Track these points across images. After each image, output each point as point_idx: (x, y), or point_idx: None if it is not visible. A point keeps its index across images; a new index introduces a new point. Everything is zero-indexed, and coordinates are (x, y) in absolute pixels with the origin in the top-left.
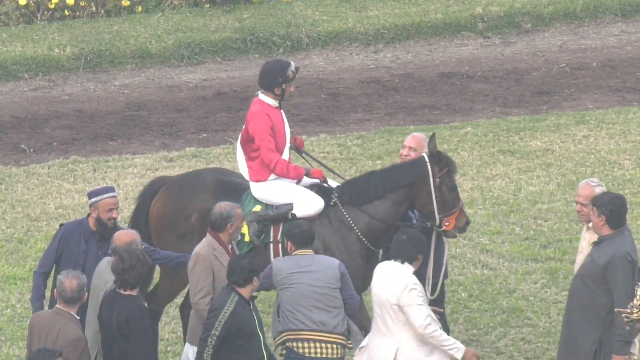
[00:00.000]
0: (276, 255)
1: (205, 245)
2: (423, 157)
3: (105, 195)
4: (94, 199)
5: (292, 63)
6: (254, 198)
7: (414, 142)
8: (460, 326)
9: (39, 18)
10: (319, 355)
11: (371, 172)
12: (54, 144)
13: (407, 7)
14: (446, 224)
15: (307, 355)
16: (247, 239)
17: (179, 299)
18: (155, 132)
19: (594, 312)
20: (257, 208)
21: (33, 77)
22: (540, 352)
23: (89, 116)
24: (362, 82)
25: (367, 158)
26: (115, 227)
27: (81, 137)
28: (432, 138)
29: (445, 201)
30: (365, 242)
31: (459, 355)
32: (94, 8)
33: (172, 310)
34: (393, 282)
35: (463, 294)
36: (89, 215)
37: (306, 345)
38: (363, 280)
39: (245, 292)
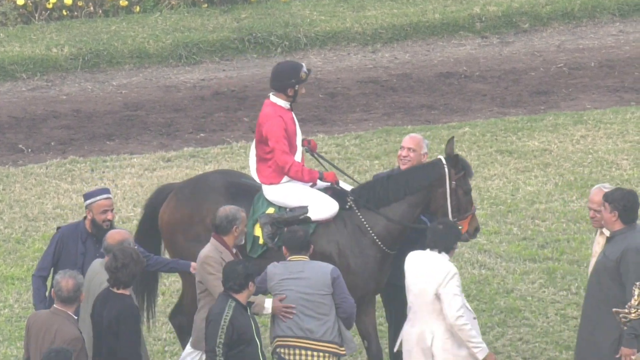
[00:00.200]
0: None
1: (212, 248)
2: (440, 159)
3: (99, 197)
4: (88, 201)
5: (304, 65)
6: (267, 200)
7: (412, 142)
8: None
9: (36, 18)
10: None
11: (389, 175)
12: (52, 143)
13: (405, 7)
14: (460, 227)
15: None
16: (261, 241)
17: (175, 299)
18: (153, 132)
19: (609, 308)
20: (271, 210)
21: (31, 77)
22: (538, 352)
23: (87, 116)
24: (360, 82)
25: (364, 158)
26: (111, 229)
27: (79, 137)
28: (450, 141)
29: (460, 204)
30: (381, 245)
31: (480, 356)
32: (91, 8)
33: (169, 310)
34: (432, 271)
35: None
36: (85, 217)
37: (292, 352)
38: (377, 283)
39: (242, 297)
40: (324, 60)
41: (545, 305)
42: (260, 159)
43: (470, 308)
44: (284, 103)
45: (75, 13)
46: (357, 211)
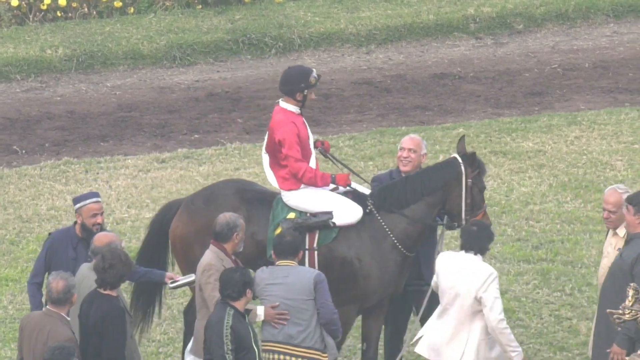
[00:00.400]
0: (312, 263)
1: (213, 256)
2: (455, 158)
3: (88, 201)
4: (78, 205)
5: (315, 70)
6: (286, 205)
7: (413, 143)
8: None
9: (31, 19)
10: None
11: (406, 176)
12: (46, 145)
13: (399, 8)
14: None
15: None
16: None
17: (169, 300)
18: (147, 133)
19: None
20: (292, 215)
21: (25, 78)
22: (532, 353)
23: (81, 117)
24: (354, 83)
25: (359, 159)
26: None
27: (73, 138)
28: (461, 139)
29: (474, 202)
30: (401, 248)
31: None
32: (86, 9)
33: (163, 312)
34: (472, 273)
35: None
36: (75, 222)
37: (272, 357)
38: (396, 286)
39: (239, 305)
40: (318, 61)
41: (540, 306)
42: (277, 166)
43: None
44: (294, 108)
45: (70, 14)
46: (377, 215)
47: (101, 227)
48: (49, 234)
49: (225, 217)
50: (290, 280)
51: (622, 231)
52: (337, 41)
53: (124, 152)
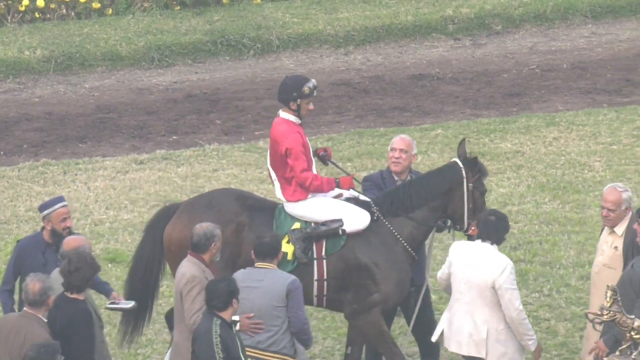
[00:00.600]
0: (320, 271)
1: (195, 267)
2: (456, 162)
3: (57, 206)
4: (46, 212)
5: (313, 80)
6: (290, 216)
7: (404, 144)
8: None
9: (9, 20)
10: None
11: (409, 181)
12: (24, 146)
13: (377, 9)
14: (472, 228)
15: None
16: (289, 257)
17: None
18: (126, 134)
19: None
20: (297, 225)
21: (3, 79)
22: None
23: (59, 119)
24: (333, 84)
25: (337, 160)
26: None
27: (51, 139)
28: (462, 143)
29: (475, 206)
30: (410, 251)
31: (532, 347)
32: (64, 10)
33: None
34: (490, 263)
35: (433, 296)
36: (43, 228)
37: None
38: (407, 288)
39: (226, 315)
40: (296, 62)
41: None
42: (283, 178)
43: None
44: (294, 118)
45: (48, 15)
46: (384, 220)
47: (70, 231)
48: (18, 241)
49: (203, 227)
50: (264, 284)
51: (620, 229)
52: (315, 42)
53: (102, 153)
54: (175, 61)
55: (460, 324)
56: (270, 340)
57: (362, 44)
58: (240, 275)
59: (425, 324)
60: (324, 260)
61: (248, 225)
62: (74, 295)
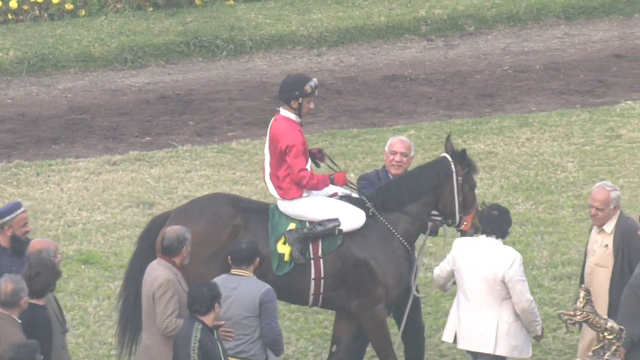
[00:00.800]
0: (318, 270)
1: (167, 271)
2: (445, 157)
3: (18, 212)
4: (8, 218)
5: (314, 79)
6: (285, 216)
7: (404, 147)
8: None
9: None
10: None
11: (399, 177)
12: None
13: (350, 11)
14: (464, 223)
15: None
16: (286, 258)
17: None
18: (99, 135)
19: None
20: (292, 226)
21: None
22: None
23: (32, 120)
24: None
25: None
26: (27, 240)
27: (24, 140)
28: (448, 138)
29: (466, 200)
30: (406, 245)
31: (539, 331)
32: (37, 12)
33: (115, 314)
34: (498, 257)
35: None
36: None
37: None
38: (406, 281)
39: (208, 319)
40: (269, 63)
41: None
42: (279, 175)
43: None
44: (294, 117)
45: (21, 17)
46: (379, 216)
47: (27, 235)
48: None
49: (174, 230)
50: (237, 293)
51: (609, 227)
52: (288, 43)
53: (75, 154)
54: (148, 62)
55: (470, 320)
56: (239, 348)
57: (335, 45)
58: (218, 281)
59: (413, 325)
60: (321, 260)
61: (244, 228)
62: (34, 301)
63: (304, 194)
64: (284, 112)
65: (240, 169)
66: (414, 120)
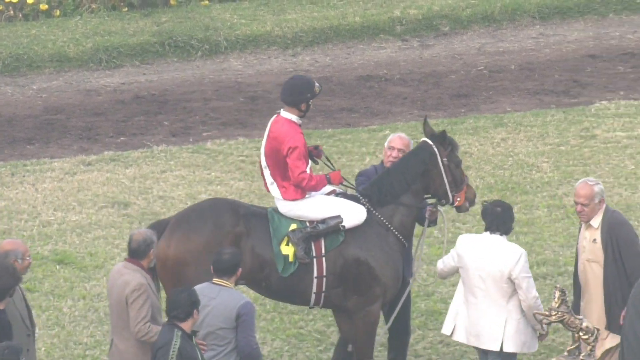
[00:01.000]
0: (320, 268)
1: (138, 275)
2: (426, 141)
3: None
4: None
5: (314, 80)
6: (285, 217)
7: (403, 144)
8: (379, 329)
9: None
10: None
11: (387, 169)
12: None
13: (325, 11)
14: (457, 199)
15: None
16: (291, 259)
17: (96, 303)
18: (74, 136)
19: None
20: (293, 226)
21: None
22: (458, 355)
23: (7, 120)
24: (281, 85)
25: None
26: None
27: None
28: (426, 122)
29: (455, 179)
30: (401, 238)
31: (544, 330)
32: (11, 12)
33: (90, 314)
34: (503, 254)
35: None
36: None
37: None
38: (401, 276)
39: (186, 326)
40: (244, 63)
41: None
42: (278, 177)
43: None
44: (296, 118)
45: None
46: (374, 211)
47: None
48: None
49: (141, 233)
50: (215, 303)
51: (596, 222)
52: (263, 43)
53: (50, 155)
54: (123, 62)
55: (478, 317)
56: (216, 358)
57: (310, 45)
58: (199, 290)
59: (399, 326)
60: (323, 258)
61: (246, 234)
62: None
63: (306, 196)
64: (286, 113)
65: (216, 169)
66: (389, 120)
